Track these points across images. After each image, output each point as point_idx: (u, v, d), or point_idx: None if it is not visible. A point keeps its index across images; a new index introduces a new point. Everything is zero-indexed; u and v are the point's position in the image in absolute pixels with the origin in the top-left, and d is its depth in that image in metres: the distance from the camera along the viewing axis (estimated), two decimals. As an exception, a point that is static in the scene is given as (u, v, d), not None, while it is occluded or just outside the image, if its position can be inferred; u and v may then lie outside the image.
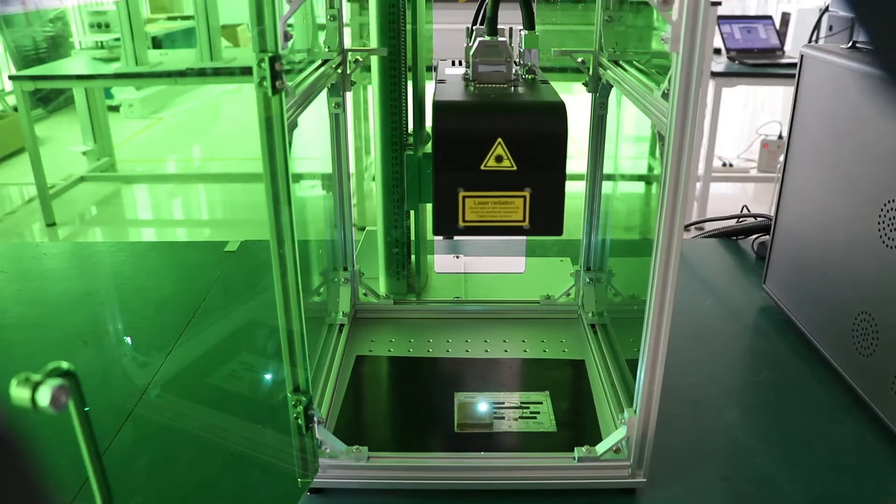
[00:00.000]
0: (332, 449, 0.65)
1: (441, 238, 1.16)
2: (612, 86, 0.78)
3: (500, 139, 0.56)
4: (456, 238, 1.19)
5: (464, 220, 0.59)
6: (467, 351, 0.87)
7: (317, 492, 0.66)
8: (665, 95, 0.55)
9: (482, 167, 0.57)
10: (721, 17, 3.05)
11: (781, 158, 0.99)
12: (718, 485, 0.67)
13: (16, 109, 4.05)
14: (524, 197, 0.58)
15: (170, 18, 5.84)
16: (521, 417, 0.73)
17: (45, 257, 1.18)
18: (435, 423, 0.74)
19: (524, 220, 0.59)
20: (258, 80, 0.52)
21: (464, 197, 0.58)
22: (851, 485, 0.68)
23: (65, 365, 0.31)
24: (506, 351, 0.87)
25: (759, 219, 1.23)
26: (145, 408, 0.77)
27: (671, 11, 0.50)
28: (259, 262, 1.12)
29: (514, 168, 0.57)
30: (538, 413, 0.74)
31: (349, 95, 0.84)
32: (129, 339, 0.95)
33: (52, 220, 3.34)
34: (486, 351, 0.87)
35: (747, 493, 0.66)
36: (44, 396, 0.28)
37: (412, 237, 1.01)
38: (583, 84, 0.84)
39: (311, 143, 0.81)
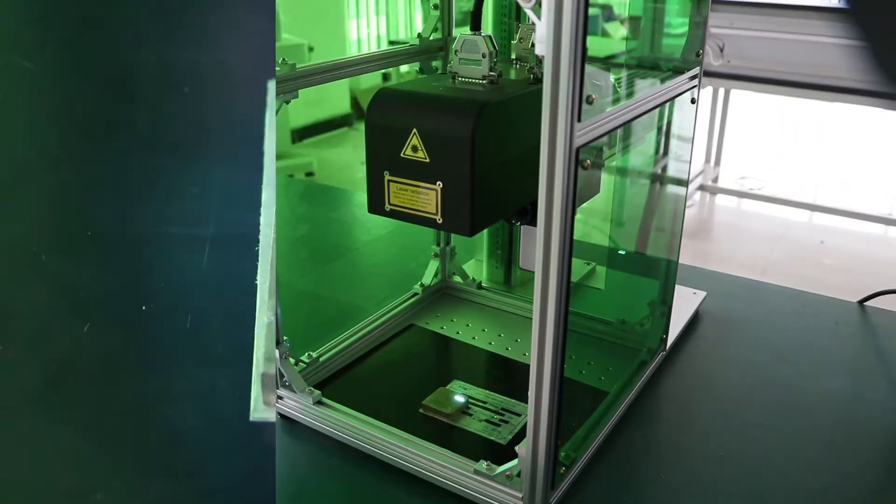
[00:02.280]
0: (290, 383, 0.73)
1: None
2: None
3: (415, 129, 0.58)
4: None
5: (389, 203, 0.62)
6: (507, 349, 0.85)
7: (283, 418, 0.75)
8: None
9: (402, 154, 0.60)
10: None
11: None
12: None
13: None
14: (436, 190, 0.59)
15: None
16: (486, 420, 0.72)
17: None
18: (407, 399, 0.74)
19: (437, 214, 0.60)
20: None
21: (388, 180, 0.61)
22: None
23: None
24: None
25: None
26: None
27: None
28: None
29: (428, 160, 0.59)
30: (505, 423, 0.71)
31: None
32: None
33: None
34: (525, 354, 0.84)
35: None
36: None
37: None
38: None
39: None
